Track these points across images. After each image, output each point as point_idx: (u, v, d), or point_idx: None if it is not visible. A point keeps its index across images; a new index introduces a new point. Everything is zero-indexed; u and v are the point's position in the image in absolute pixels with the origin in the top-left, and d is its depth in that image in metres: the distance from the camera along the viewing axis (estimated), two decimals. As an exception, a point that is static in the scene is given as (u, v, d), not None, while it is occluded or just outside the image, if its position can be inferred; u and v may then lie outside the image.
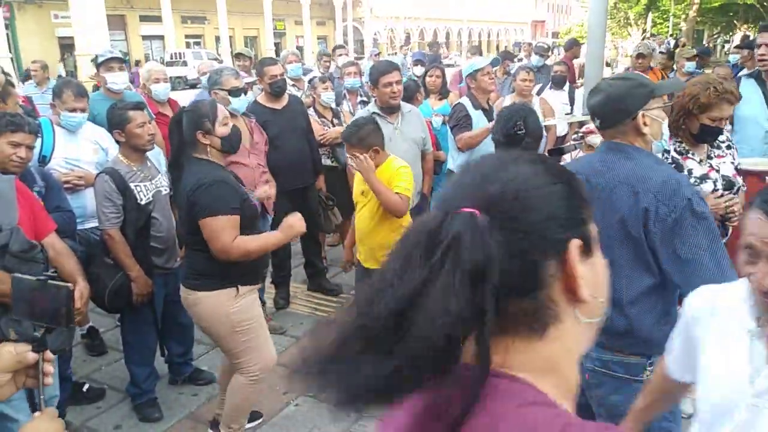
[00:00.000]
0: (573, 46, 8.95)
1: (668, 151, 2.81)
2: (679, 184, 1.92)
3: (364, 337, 0.65)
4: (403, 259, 0.66)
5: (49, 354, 1.19)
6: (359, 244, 3.49)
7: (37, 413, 1.19)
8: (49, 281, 1.20)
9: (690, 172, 2.79)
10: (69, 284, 1.22)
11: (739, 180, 2.87)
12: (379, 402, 0.66)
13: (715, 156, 2.88)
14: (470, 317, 0.63)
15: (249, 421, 3.13)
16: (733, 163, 2.90)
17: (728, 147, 2.93)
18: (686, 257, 1.86)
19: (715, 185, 2.80)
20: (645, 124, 2.04)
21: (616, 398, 2.06)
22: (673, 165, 2.76)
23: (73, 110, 3.55)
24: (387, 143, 4.00)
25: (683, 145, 2.84)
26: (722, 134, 2.86)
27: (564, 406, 0.70)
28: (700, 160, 2.84)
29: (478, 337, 0.64)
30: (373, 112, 4.08)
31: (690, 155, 2.84)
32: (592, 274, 0.73)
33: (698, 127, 2.71)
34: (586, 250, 0.73)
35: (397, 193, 3.19)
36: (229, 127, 2.80)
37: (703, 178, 2.79)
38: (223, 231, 2.61)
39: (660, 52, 8.11)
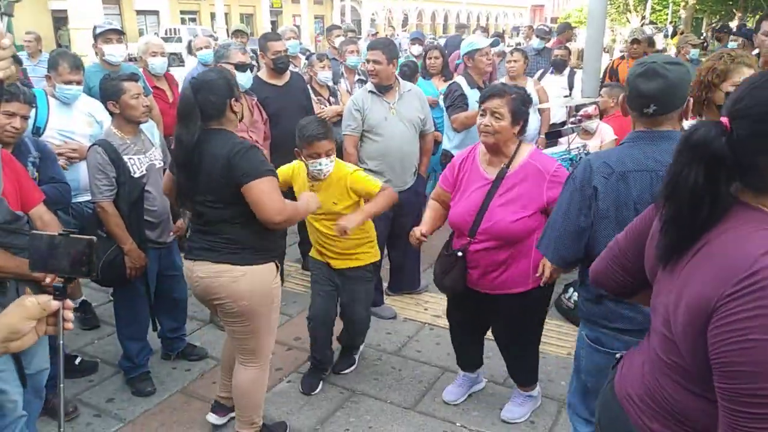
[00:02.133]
0: (565, 29, 8.93)
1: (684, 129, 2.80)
2: None
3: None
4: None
5: (69, 302, 1.28)
6: (320, 247, 3.34)
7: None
8: (71, 235, 1.29)
9: None
10: (92, 236, 1.29)
11: None
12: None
13: None
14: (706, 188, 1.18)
15: None
16: None
17: None
18: None
19: None
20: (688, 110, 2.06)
21: None
22: None
23: (69, 83, 3.50)
24: (382, 122, 3.99)
25: None
26: None
27: None
28: None
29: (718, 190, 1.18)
30: (370, 91, 4.06)
31: None
32: None
33: (723, 96, 2.65)
34: None
35: (381, 190, 3.12)
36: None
37: None
38: (272, 192, 2.51)
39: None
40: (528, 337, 3.06)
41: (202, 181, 2.54)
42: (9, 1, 1.39)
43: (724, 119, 1.18)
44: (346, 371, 3.56)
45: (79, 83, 3.55)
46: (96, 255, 1.29)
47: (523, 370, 3.16)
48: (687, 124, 2.82)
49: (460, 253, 2.83)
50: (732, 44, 8.69)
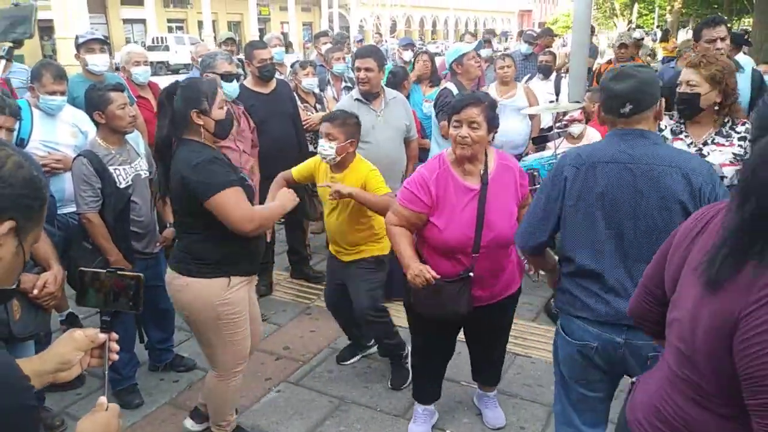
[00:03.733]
0: (545, 35, 9.01)
1: (662, 130, 2.85)
2: (709, 164, 2.18)
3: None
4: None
5: (114, 335, 1.36)
6: (330, 236, 3.49)
7: (102, 398, 1.31)
8: (119, 272, 1.38)
9: None
10: (140, 274, 1.38)
11: (726, 171, 2.81)
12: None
13: (714, 142, 2.86)
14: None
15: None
16: (736, 154, 2.82)
17: (741, 138, 2.83)
18: None
19: None
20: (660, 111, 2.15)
21: None
22: None
23: (53, 93, 3.47)
24: (369, 130, 3.99)
25: (681, 126, 2.90)
26: (686, 104, 2.85)
27: None
28: (691, 143, 2.86)
29: None
30: (356, 99, 4.06)
31: (682, 136, 2.89)
32: None
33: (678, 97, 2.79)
34: None
35: (386, 194, 3.19)
36: (224, 112, 2.63)
37: None
38: (237, 203, 2.48)
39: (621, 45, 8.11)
40: (507, 336, 3.08)
41: (173, 189, 2.59)
42: (10, 47, 1.45)
43: None
44: (403, 387, 3.44)
45: (63, 93, 3.52)
46: (143, 291, 1.37)
47: (498, 370, 3.18)
48: (666, 121, 2.89)
49: (471, 273, 2.64)
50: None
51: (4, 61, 1.22)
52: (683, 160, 2.05)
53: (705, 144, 2.86)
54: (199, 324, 2.67)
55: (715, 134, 2.86)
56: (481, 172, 2.66)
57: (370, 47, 4.64)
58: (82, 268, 1.39)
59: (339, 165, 3.26)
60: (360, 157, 3.36)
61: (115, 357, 1.37)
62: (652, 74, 2.17)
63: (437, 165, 2.71)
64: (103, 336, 1.34)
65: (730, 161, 2.82)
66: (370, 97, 4.05)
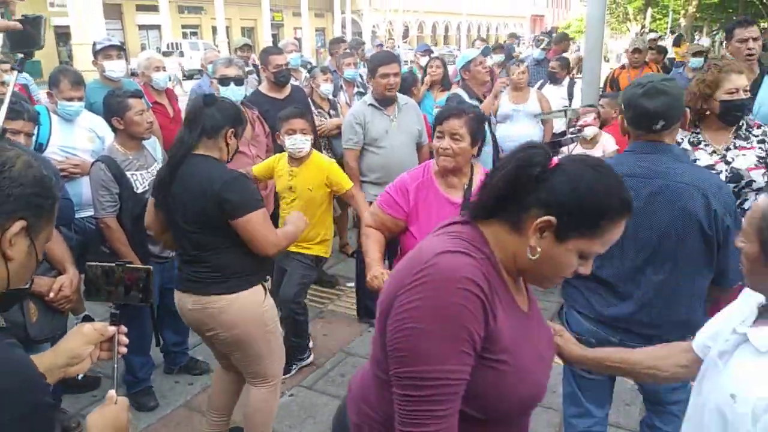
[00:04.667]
0: (562, 40, 8.96)
1: (679, 143, 2.80)
2: (728, 187, 2.23)
3: None
4: None
5: (123, 328, 1.37)
6: None
7: (111, 392, 1.31)
8: (127, 265, 1.39)
9: (695, 161, 2.78)
10: (149, 267, 1.40)
11: (753, 175, 2.78)
12: None
13: (736, 147, 2.81)
14: None
15: None
16: (759, 157, 2.80)
17: (761, 141, 2.82)
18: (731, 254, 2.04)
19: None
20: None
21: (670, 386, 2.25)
22: None
23: (70, 99, 3.53)
24: (383, 135, 4.01)
25: (699, 135, 2.84)
26: (744, 110, 2.81)
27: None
28: (713, 151, 2.81)
29: None
30: (370, 104, 4.07)
31: (703, 146, 2.83)
32: None
33: (719, 105, 2.70)
34: None
35: (351, 189, 3.54)
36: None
37: (709, 168, 2.75)
38: (266, 226, 2.45)
39: (650, 48, 8.07)
40: None
41: (188, 206, 2.44)
42: (21, 58, 1.47)
43: (555, 160, 1.27)
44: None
45: (80, 99, 3.58)
46: (152, 283, 1.39)
47: None
48: (682, 134, 2.85)
49: None
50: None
51: (16, 72, 1.25)
52: (704, 181, 2.08)
53: (728, 150, 2.81)
54: (249, 338, 2.57)
55: (734, 138, 2.82)
56: (465, 186, 2.60)
57: (393, 53, 4.67)
58: (91, 263, 1.39)
59: (299, 159, 3.52)
60: (315, 151, 3.62)
61: (124, 350, 1.37)
62: (680, 88, 2.18)
63: (421, 173, 2.68)
64: (112, 329, 1.35)
65: (755, 164, 2.80)
66: (384, 102, 4.07)
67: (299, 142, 3.43)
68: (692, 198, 2.04)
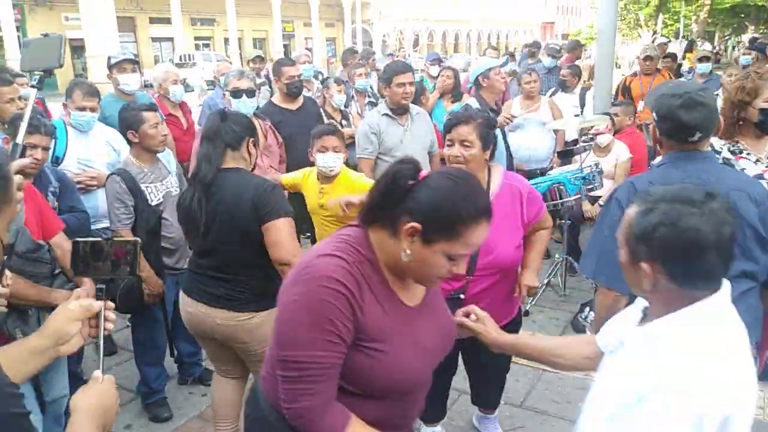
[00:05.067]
0: (575, 47, 8.92)
1: (719, 152, 2.75)
2: (761, 184, 2.28)
3: None
4: None
5: (109, 303, 1.33)
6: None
7: (97, 372, 1.28)
8: (115, 238, 1.37)
9: (741, 171, 2.70)
10: (137, 238, 1.39)
11: None
12: None
13: None
14: None
15: None
16: None
17: None
18: None
19: None
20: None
21: None
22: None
23: (83, 109, 3.57)
24: (398, 145, 4.02)
25: (738, 144, 2.76)
26: None
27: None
28: (757, 160, 2.73)
29: None
30: (384, 114, 4.08)
31: (745, 155, 2.75)
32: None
33: (758, 113, 2.66)
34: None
35: None
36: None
37: (757, 177, 2.66)
38: (292, 233, 2.49)
39: (665, 56, 8.05)
40: (507, 362, 2.94)
41: (226, 219, 2.49)
42: (41, 76, 1.48)
43: (424, 173, 1.45)
44: None
45: (93, 110, 3.61)
46: (139, 256, 1.36)
47: (498, 395, 3.08)
48: (721, 144, 2.79)
49: (462, 295, 2.54)
50: (746, 58, 8.67)
51: (35, 90, 1.28)
52: (747, 184, 2.10)
53: None
54: None
55: None
56: None
57: (407, 62, 4.69)
58: (78, 239, 1.36)
59: (330, 176, 3.37)
60: (344, 167, 3.48)
61: (111, 326, 1.33)
62: (714, 99, 2.19)
63: None
64: (98, 304, 1.31)
65: None
66: (398, 111, 4.08)
67: (331, 160, 3.29)
68: (746, 205, 2.04)
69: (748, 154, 2.74)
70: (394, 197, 1.43)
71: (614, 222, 2.09)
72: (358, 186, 3.30)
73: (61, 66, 1.45)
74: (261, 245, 2.47)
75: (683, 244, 1.25)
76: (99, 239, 1.35)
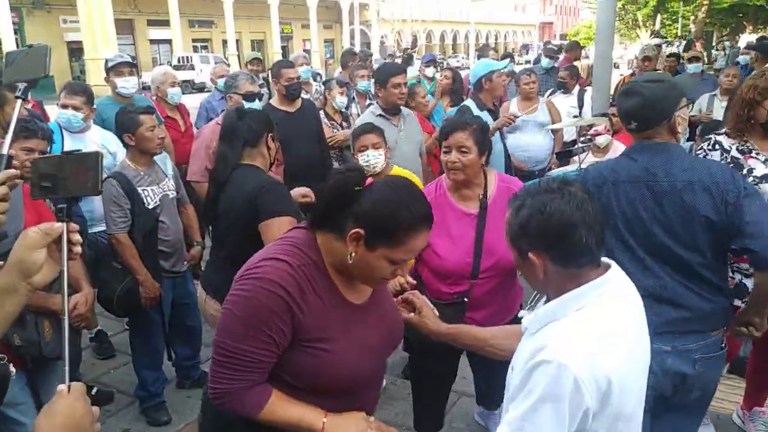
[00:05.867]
0: (574, 48, 8.91)
1: (728, 151, 2.74)
2: (728, 168, 2.25)
3: None
4: None
5: (72, 225, 1.19)
6: None
7: (61, 386, 1.09)
8: (75, 152, 1.24)
9: (750, 171, 2.68)
10: (98, 151, 1.25)
11: None
12: None
13: None
14: None
15: None
16: None
17: None
18: (752, 220, 2.04)
19: None
20: (678, 123, 2.15)
21: (716, 374, 2.29)
22: (732, 164, 2.70)
23: (65, 107, 3.55)
24: (393, 146, 4.01)
25: (749, 143, 2.73)
26: None
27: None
28: (766, 159, 2.70)
29: None
30: (378, 114, 4.08)
31: (754, 154, 2.72)
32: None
33: (766, 114, 2.65)
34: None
35: None
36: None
37: (765, 178, 2.66)
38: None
39: (668, 56, 8.07)
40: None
41: (231, 216, 2.52)
42: (25, 87, 1.42)
43: (370, 180, 1.51)
44: None
45: (75, 108, 3.57)
46: (101, 170, 1.23)
47: (502, 394, 3.07)
48: (730, 143, 2.76)
49: (466, 299, 2.56)
50: (744, 58, 8.67)
51: (20, 101, 1.25)
52: (704, 173, 2.06)
53: None
54: None
55: None
56: (480, 196, 2.59)
57: (401, 64, 4.69)
58: (37, 157, 1.27)
59: (379, 175, 3.21)
60: (395, 166, 3.41)
61: (78, 249, 1.19)
62: (661, 90, 2.14)
63: (433, 190, 2.67)
64: (59, 225, 1.17)
65: None
66: (392, 112, 4.09)
67: (372, 157, 3.19)
68: (695, 196, 2.03)
69: (757, 153, 2.71)
70: (342, 202, 1.49)
71: None
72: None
73: (46, 76, 1.40)
74: (251, 238, 2.42)
75: (555, 226, 1.36)
76: (55, 155, 1.23)
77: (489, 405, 3.14)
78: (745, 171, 2.69)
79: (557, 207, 1.37)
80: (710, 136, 2.90)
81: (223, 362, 1.50)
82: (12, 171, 1.32)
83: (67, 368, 1.16)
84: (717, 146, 2.78)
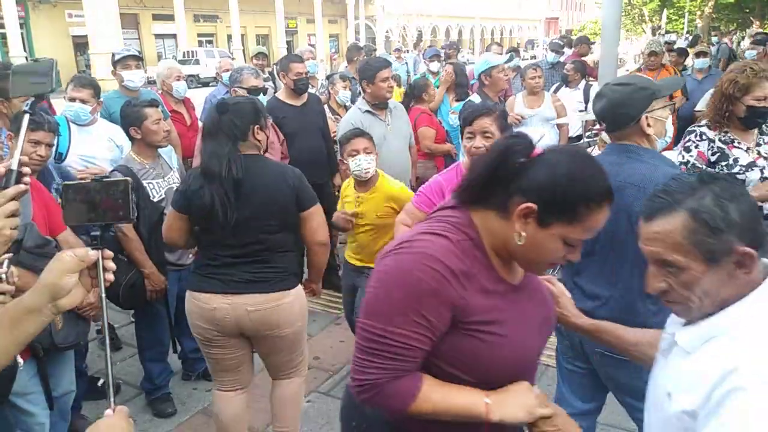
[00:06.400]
0: (581, 43, 8.87)
1: (713, 141, 2.83)
2: (677, 174, 2.17)
3: None
4: None
5: (107, 252, 1.20)
6: (358, 248, 3.45)
7: (108, 411, 1.15)
8: (104, 179, 1.24)
9: (736, 160, 2.79)
10: (127, 178, 1.25)
11: None
12: None
13: (765, 143, 2.86)
14: None
15: None
16: None
17: None
18: None
19: (763, 172, 2.81)
20: (648, 125, 2.12)
21: (620, 374, 2.21)
22: (718, 154, 2.81)
23: (72, 100, 3.56)
24: (382, 141, 4.03)
25: (729, 134, 2.84)
26: (767, 118, 2.82)
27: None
28: (747, 148, 2.82)
29: None
30: (366, 110, 4.08)
31: (736, 144, 2.84)
32: None
33: (744, 109, 2.71)
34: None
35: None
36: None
37: (750, 166, 2.78)
38: (324, 217, 2.69)
39: (670, 51, 8.02)
40: None
41: (266, 204, 2.51)
42: (33, 102, 1.41)
43: (538, 150, 1.32)
44: None
45: (83, 101, 3.58)
46: (133, 197, 1.24)
47: None
48: (714, 134, 2.82)
49: None
50: (751, 52, 8.63)
51: (28, 116, 1.25)
52: (646, 178, 2.04)
53: (758, 145, 2.85)
54: (303, 330, 2.78)
55: (759, 134, 2.88)
56: None
57: (385, 58, 4.73)
58: (66, 182, 1.26)
59: (366, 184, 3.30)
60: (382, 173, 3.40)
61: (111, 277, 1.20)
62: (626, 93, 2.14)
63: (454, 175, 2.73)
64: (94, 253, 1.17)
65: None
66: (380, 106, 4.10)
67: (364, 162, 3.19)
68: (628, 194, 2.02)
69: (739, 143, 2.83)
70: (505, 175, 1.31)
71: None
72: (397, 193, 3.28)
73: (53, 90, 1.41)
74: (296, 228, 2.64)
75: (752, 212, 1.20)
76: (88, 182, 1.23)
77: None
78: (731, 161, 2.80)
79: (742, 190, 1.21)
80: (694, 128, 2.97)
81: (369, 349, 1.31)
82: (22, 186, 1.32)
83: (111, 390, 1.20)
84: (704, 137, 2.88)
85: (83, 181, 1.23)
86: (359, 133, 3.32)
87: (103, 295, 1.21)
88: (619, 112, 2.14)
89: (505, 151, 1.31)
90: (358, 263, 3.44)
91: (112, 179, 1.24)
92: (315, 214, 2.64)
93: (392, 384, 1.31)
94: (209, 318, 2.60)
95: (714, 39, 20.85)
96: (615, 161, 2.11)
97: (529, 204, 1.27)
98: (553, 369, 3.66)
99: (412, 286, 1.27)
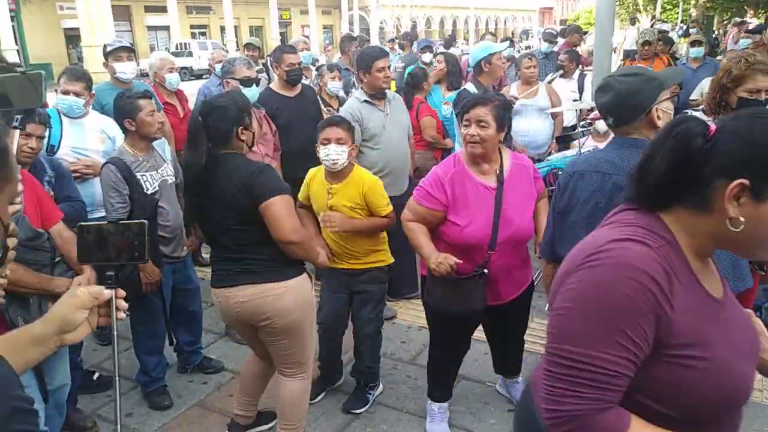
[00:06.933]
0: (573, 32, 8.86)
1: None
2: None
3: None
4: None
5: (121, 291, 1.24)
6: (336, 254, 3.20)
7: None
8: (120, 222, 1.28)
9: None
10: (143, 220, 1.29)
11: None
12: None
13: None
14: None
15: (267, 423, 3.15)
16: None
17: None
18: None
19: None
20: (659, 117, 2.08)
21: None
22: None
23: (66, 93, 3.53)
24: (381, 131, 4.03)
25: None
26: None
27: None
28: None
29: None
30: (364, 100, 4.07)
31: None
32: None
33: (736, 101, 2.69)
34: None
35: (386, 215, 3.12)
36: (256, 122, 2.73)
37: None
38: (289, 210, 2.52)
39: (659, 40, 8.01)
40: (524, 327, 3.15)
41: (224, 204, 2.53)
42: (22, 117, 1.39)
43: (713, 126, 1.17)
44: (358, 411, 3.26)
45: (77, 94, 3.56)
46: (149, 239, 1.27)
47: (518, 359, 3.27)
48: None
49: (485, 270, 2.69)
50: (744, 41, 8.63)
51: (18, 132, 1.22)
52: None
53: None
54: (300, 324, 2.67)
55: None
56: (497, 171, 2.73)
57: (383, 48, 4.70)
58: (83, 224, 1.29)
59: (339, 174, 3.08)
60: (358, 165, 3.26)
61: (123, 315, 1.23)
62: (636, 84, 2.08)
63: (452, 164, 2.78)
64: (108, 292, 1.21)
65: None
66: (378, 96, 4.09)
67: (333, 153, 2.98)
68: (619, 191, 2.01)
69: None
70: (693, 163, 1.16)
71: (555, 203, 2.30)
72: (367, 187, 3.08)
73: (41, 105, 1.39)
74: (255, 222, 2.52)
75: None
76: (104, 223, 1.27)
77: (507, 371, 3.32)
78: None
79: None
80: (688, 111, 2.96)
81: (567, 376, 1.15)
82: (17, 207, 1.30)
83: (119, 426, 1.23)
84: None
85: (99, 223, 1.27)
86: (335, 122, 3.11)
87: (115, 333, 1.24)
88: (631, 104, 2.06)
89: (684, 140, 1.17)
90: (347, 265, 3.21)
91: (127, 222, 1.28)
92: (270, 208, 2.45)
93: (597, 418, 1.14)
94: (221, 310, 2.77)
95: (692, 30, 20.83)
96: (626, 156, 2.06)
97: (741, 181, 1.11)
98: None
99: (616, 303, 1.12)
